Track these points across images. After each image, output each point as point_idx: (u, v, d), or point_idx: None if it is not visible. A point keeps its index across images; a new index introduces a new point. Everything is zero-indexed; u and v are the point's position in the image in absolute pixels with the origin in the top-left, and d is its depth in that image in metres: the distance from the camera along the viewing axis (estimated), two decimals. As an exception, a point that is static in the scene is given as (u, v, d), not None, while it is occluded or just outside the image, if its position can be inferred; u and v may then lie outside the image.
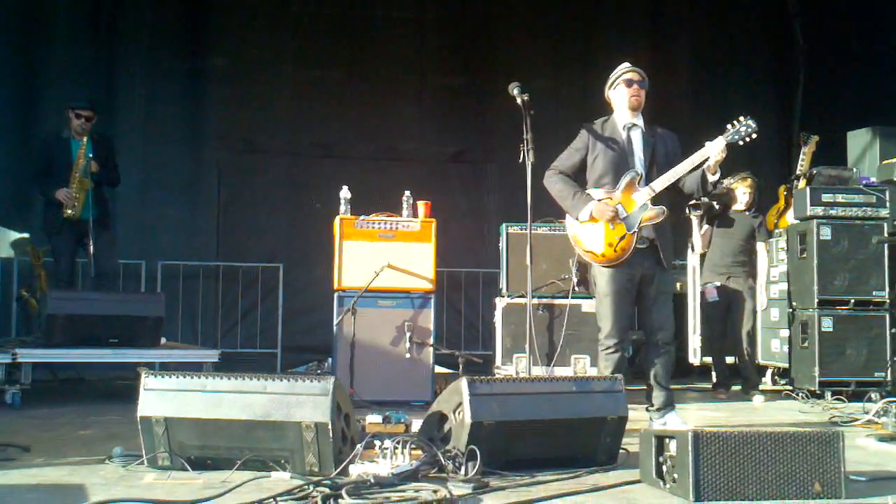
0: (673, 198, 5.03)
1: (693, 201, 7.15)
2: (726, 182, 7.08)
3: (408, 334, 6.22)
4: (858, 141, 8.00)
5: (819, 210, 6.90)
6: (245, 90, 9.18)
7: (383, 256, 6.29)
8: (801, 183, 7.53)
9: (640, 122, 5.00)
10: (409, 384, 6.15)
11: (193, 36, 9.17)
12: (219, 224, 9.07)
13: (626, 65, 5.05)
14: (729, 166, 5.23)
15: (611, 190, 4.88)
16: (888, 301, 6.81)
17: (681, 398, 5.81)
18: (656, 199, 4.82)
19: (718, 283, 7.19)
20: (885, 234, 6.75)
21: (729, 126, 4.76)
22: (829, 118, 8.86)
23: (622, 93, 4.98)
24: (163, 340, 6.39)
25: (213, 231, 9.07)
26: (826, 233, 6.88)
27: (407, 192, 6.55)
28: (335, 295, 6.28)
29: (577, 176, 5.02)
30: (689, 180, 4.87)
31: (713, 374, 7.48)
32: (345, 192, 6.46)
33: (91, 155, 6.44)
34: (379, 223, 6.40)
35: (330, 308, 6.34)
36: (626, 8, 10.07)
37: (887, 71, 8.78)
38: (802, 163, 8.04)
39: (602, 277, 4.89)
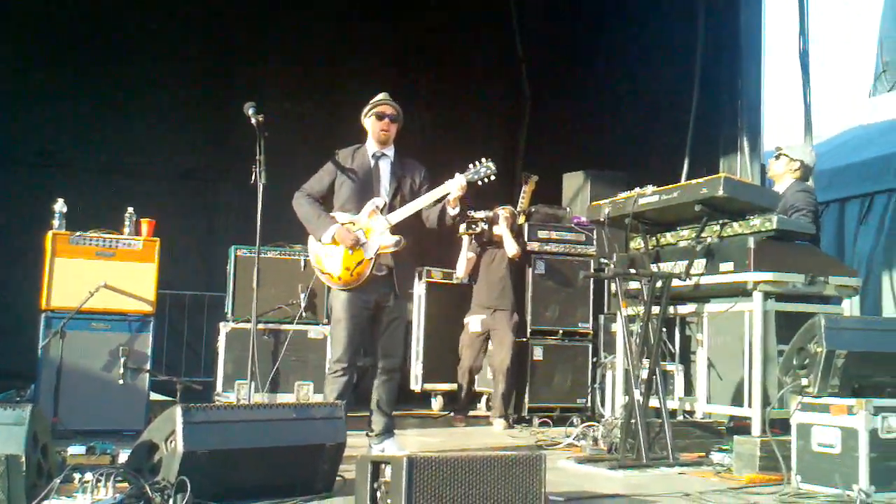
0: (419, 228, 5.14)
1: (468, 222, 7.15)
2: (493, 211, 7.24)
3: (122, 359, 5.88)
4: (573, 182, 8.62)
5: (535, 245, 7.38)
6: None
7: (100, 276, 5.92)
8: (521, 219, 8.00)
9: (390, 152, 5.13)
10: (122, 412, 5.78)
11: None
12: None
13: (382, 96, 5.15)
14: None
15: (355, 216, 4.95)
16: (591, 332, 7.42)
17: (401, 425, 5.92)
18: (397, 229, 4.91)
19: (484, 316, 7.16)
20: (591, 270, 7.33)
21: (470, 165, 4.97)
22: (549, 160, 9.48)
23: (373, 124, 5.09)
24: None
25: None
26: (541, 267, 7.37)
27: (130, 209, 6.22)
28: (42, 316, 5.82)
29: (326, 199, 5.06)
30: (432, 213, 5.06)
31: (458, 400, 7.44)
32: (60, 206, 6.02)
33: None
34: (97, 240, 6.03)
35: (35, 330, 5.86)
36: (375, 38, 10.11)
37: (599, 120, 9.58)
38: (523, 200, 8.50)
39: (338, 301, 4.95)
